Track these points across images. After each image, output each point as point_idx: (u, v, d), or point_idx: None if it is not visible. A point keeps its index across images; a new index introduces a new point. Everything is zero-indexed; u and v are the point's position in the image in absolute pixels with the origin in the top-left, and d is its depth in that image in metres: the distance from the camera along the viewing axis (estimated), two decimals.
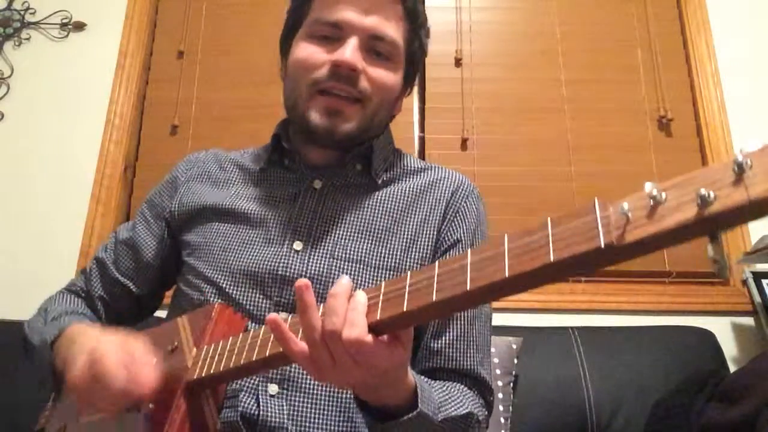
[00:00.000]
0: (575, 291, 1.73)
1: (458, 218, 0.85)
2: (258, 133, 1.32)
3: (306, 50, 0.81)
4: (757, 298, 1.65)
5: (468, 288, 0.44)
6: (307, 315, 0.51)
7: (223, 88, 2.00)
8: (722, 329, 1.64)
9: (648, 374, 1.44)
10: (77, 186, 1.88)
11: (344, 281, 0.52)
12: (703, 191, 0.35)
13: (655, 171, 1.84)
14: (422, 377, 0.67)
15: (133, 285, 0.89)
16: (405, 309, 0.47)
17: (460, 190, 0.87)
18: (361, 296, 0.51)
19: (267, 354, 0.56)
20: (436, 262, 0.48)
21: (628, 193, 0.39)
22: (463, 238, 0.83)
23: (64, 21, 2.07)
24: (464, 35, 2.01)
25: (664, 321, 1.63)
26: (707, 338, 1.54)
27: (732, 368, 1.49)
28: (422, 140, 1.93)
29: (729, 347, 1.62)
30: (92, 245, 1.80)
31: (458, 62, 1.99)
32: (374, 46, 0.81)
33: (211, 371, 0.60)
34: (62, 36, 2.06)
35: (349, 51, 0.78)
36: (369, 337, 0.49)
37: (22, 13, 2.08)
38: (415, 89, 1.98)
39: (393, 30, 0.82)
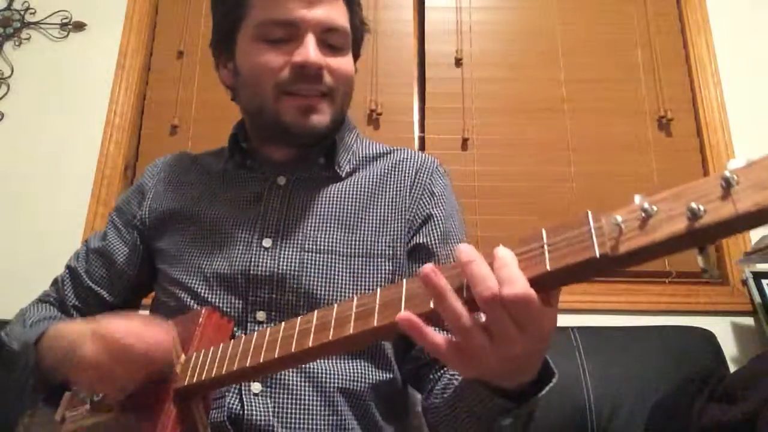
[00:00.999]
0: (575, 291, 1.73)
1: (426, 194, 0.85)
2: None
3: (262, 54, 0.80)
4: (757, 298, 1.65)
5: None
6: (446, 300, 0.44)
7: (223, 88, 1.99)
8: (722, 329, 1.64)
9: (648, 374, 1.44)
10: (77, 186, 1.87)
11: (464, 247, 0.45)
12: (693, 204, 0.36)
13: (655, 171, 1.83)
14: None
15: (106, 293, 0.89)
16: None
17: (425, 168, 0.88)
18: (504, 251, 0.44)
19: (261, 360, 0.55)
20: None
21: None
22: (434, 212, 0.84)
23: (64, 21, 2.07)
24: (464, 35, 2.00)
25: (664, 321, 1.63)
26: (707, 338, 1.54)
27: (732, 368, 1.49)
28: (422, 140, 1.93)
29: (729, 347, 1.62)
30: None
31: (458, 62, 1.98)
32: (327, 39, 0.81)
33: (202, 378, 0.60)
34: (62, 36, 2.06)
35: (312, 50, 0.78)
36: (533, 292, 0.43)
37: (22, 13, 2.07)
38: (415, 89, 2.00)
39: (341, 18, 0.82)
